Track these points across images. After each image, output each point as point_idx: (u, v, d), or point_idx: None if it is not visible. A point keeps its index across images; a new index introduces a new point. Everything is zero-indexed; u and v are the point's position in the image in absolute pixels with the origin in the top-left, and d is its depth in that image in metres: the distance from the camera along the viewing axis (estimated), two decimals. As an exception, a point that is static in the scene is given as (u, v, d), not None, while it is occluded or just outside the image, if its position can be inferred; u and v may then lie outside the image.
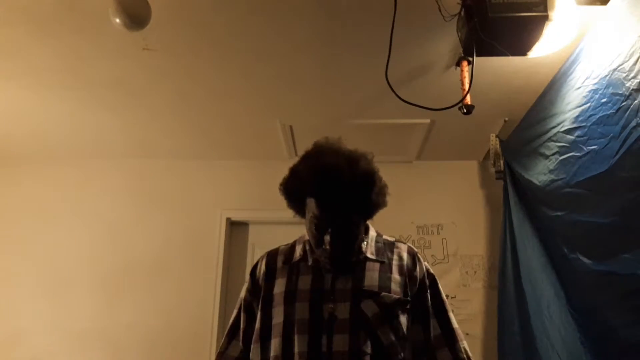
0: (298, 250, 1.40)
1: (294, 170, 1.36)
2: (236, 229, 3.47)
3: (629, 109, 1.61)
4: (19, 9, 1.96)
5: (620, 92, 1.67)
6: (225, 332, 1.42)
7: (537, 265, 2.42)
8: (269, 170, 3.41)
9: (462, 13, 1.83)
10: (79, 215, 3.39)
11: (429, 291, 1.35)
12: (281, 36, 2.15)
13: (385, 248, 1.38)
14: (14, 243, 3.34)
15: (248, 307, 1.39)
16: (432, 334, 1.32)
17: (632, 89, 1.60)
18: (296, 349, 1.22)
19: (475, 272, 3.24)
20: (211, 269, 3.27)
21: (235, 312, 1.43)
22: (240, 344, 1.37)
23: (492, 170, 3.08)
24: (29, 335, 3.14)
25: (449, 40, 2.09)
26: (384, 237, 1.43)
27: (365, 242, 1.36)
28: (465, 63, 2.17)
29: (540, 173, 2.30)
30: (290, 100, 2.71)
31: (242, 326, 1.38)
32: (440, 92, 2.40)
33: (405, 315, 1.28)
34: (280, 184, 1.39)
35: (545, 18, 1.73)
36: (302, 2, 1.94)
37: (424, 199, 3.39)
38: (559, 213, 2.13)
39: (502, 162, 2.97)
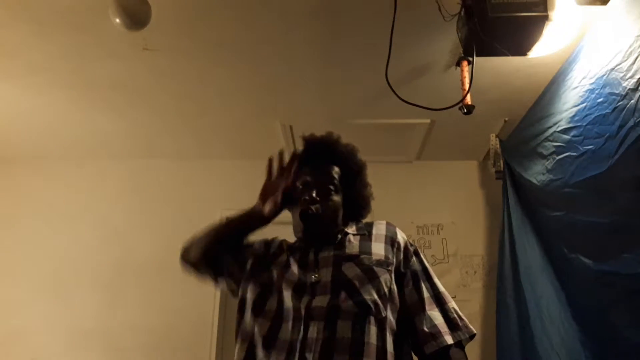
0: (275, 245, 1.45)
1: None
2: (236, 228, 3.46)
3: (625, 109, 1.61)
4: (18, 9, 1.96)
5: (617, 91, 1.67)
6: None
7: (537, 265, 2.42)
8: (269, 170, 3.43)
9: (462, 13, 1.83)
10: (79, 215, 3.38)
11: (414, 257, 1.38)
12: (281, 36, 2.15)
13: (365, 226, 1.43)
14: (14, 243, 3.33)
15: (240, 301, 1.40)
16: (424, 296, 1.33)
17: (629, 89, 1.60)
18: (284, 306, 1.26)
19: (475, 272, 3.23)
20: (211, 269, 3.26)
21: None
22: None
23: (492, 170, 3.08)
24: (29, 335, 3.13)
25: (449, 40, 2.09)
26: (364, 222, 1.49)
27: (348, 226, 1.42)
28: (465, 63, 2.17)
29: (539, 173, 2.30)
30: (290, 100, 2.71)
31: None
32: (440, 92, 2.40)
33: (387, 276, 1.28)
34: None
35: (545, 18, 1.73)
36: (302, 2, 1.94)
37: (424, 199, 3.39)
38: (558, 213, 2.13)
39: (502, 162, 2.97)
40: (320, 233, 1.35)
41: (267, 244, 1.45)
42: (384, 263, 1.30)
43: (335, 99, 2.70)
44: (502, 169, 2.97)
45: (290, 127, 3.02)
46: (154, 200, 3.42)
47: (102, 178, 3.46)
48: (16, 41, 2.16)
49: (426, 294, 1.33)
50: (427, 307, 1.31)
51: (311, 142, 1.47)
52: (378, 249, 1.33)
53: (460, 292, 3.14)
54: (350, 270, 1.26)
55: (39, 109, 2.79)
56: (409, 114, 2.65)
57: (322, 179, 1.38)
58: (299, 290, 1.26)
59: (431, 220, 3.35)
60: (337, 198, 1.39)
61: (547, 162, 2.22)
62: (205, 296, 3.20)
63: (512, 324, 2.60)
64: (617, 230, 1.70)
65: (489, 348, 2.88)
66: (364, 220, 1.47)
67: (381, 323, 1.23)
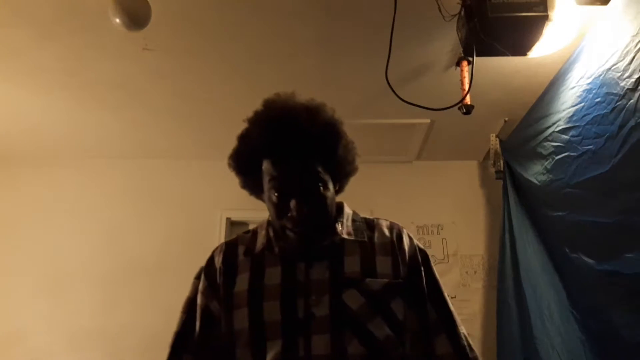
0: (260, 237, 1.14)
1: (242, 135, 1.16)
2: (236, 229, 3.47)
3: (625, 109, 1.61)
4: (19, 10, 1.96)
5: (615, 91, 1.67)
6: (171, 343, 1.17)
7: (537, 265, 2.42)
8: (269, 170, 3.43)
9: (462, 13, 1.83)
10: (79, 215, 3.38)
11: (422, 270, 1.12)
12: (281, 36, 2.15)
13: (365, 227, 1.15)
14: (13, 243, 3.33)
15: (204, 311, 1.15)
16: (428, 320, 1.10)
17: (628, 89, 1.60)
18: (268, 358, 1.00)
19: (475, 272, 3.24)
20: (211, 269, 3.26)
21: (182, 317, 1.20)
22: (192, 357, 1.13)
23: (492, 170, 3.08)
24: (28, 335, 3.13)
25: (449, 40, 2.09)
26: (362, 216, 1.20)
27: (339, 222, 1.12)
28: (465, 63, 2.17)
29: (539, 173, 2.30)
30: (290, 100, 2.70)
31: (196, 334, 1.14)
32: (440, 92, 2.40)
33: (399, 301, 1.06)
34: (229, 157, 1.16)
35: (545, 18, 1.73)
36: (302, 2, 1.94)
37: (424, 199, 3.39)
38: (560, 213, 2.13)
39: (502, 162, 2.97)
40: (314, 241, 1.08)
41: (209, 268, 1.20)
42: (393, 285, 1.06)
43: (335, 99, 2.65)
44: (502, 169, 2.97)
45: (290, 127, 3.02)
46: (154, 200, 3.42)
47: (102, 178, 3.46)
48: (17, 41, 2.16)
49: (429, 317, 1.11)
50: (434, 332, 1.10)
51: (279, 128, 1.06)
52: (383, 266, 1.08)
53: (460, 292, 3.14)
54: (354, 301, 1.02)
55: (40, 109, 2.79)
56: (409, 114, 2.65)
57: (307, 183, 1.04)
58: (288, 332, 1.00)
59: (431, 220, 3.35)
60: (329, 194, 1.08)
61: (547, 162, 2.22)
62: (205, 296, 3.20)
63: (513, 324, 2.60)
64: (620, 230, 1.70)
65: (490, 348, 2.88)
66: (361, 215, 1.20)
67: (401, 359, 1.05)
